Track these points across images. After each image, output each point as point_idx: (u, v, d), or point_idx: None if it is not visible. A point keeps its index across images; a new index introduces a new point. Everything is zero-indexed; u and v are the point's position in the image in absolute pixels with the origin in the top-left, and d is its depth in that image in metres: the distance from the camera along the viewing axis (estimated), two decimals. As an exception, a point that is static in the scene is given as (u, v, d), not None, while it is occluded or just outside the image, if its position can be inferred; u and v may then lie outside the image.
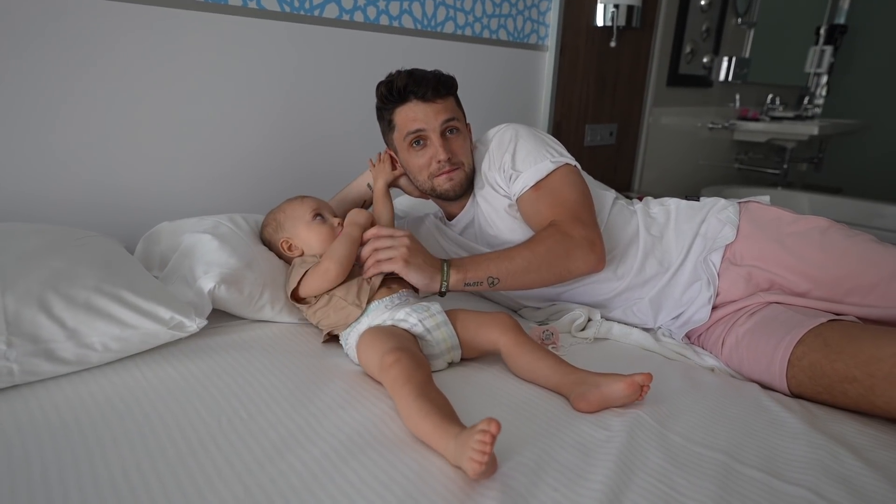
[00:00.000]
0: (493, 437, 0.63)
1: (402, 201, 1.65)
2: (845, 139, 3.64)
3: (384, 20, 1.62)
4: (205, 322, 0.95)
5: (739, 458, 0.73)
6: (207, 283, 1.02)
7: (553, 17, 2.01)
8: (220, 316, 1.07)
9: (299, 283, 1.02)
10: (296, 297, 1.04)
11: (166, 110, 1.32)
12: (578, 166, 1.17)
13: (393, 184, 1.29)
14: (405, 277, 0.99)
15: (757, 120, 3.10)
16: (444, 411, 0.72)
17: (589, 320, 1.17)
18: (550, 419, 0.81)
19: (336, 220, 1.09)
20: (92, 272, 0.89)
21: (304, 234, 1.09)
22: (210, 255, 1.08)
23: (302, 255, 1.10)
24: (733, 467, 0.71)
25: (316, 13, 1.49)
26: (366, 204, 1.31)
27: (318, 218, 1.09)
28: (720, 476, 0.69)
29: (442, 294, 1.03)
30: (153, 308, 0.89)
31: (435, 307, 0.95)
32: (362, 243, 1.02)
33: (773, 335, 0.97)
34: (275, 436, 0.73)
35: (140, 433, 0.72)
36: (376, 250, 0.99)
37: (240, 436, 0.73)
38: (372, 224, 1.08)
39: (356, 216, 1.05)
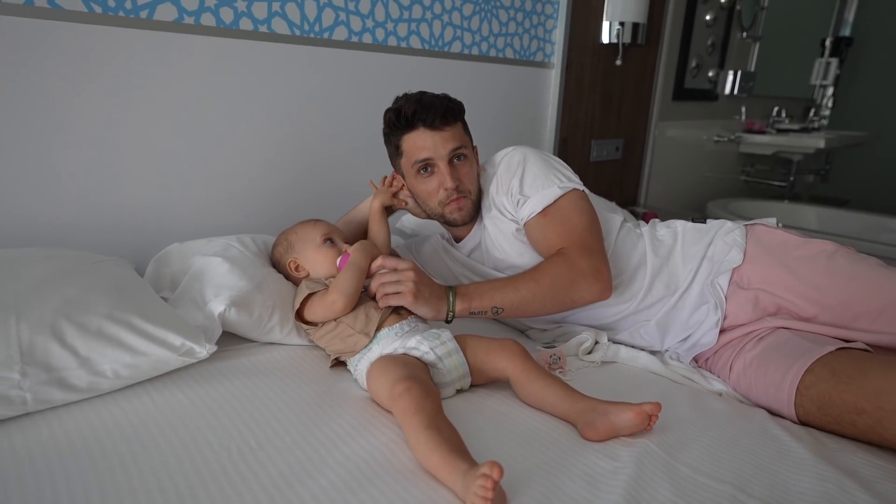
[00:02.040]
0: (495, 483, 0.63)
1: (409, 220, 1.67)
2: (852, 151, 3.63)
3: (392, 41, 1.63)
4: (214, 348, 0.95)
5: (747, 489, 0.73)
6: (218, 307, 1.03)
7: (559, 35, 2.02)
8: (229, 338, 1.08)
9: (304, 304, 1.03)
10: (302, 318, 1.04)
11: (175, 132, 1.33)
12: (587, 191, 1.17)
13: (397, 206, 1.30)
14: (414, 311, 0.99)
15: (763, 132, 3.10)
16: (454, 444, 0.73)
17: (596, 343, 1.17)
18: (558, 448, 0.81)
19: (345, 247, 1.10)
20: (104, 299, 0.90)
21: (312, 257, 1.10)
22: (220, 277, 1.09)
23: (308, 276, 1.11)
24: (741, 500, 0.71)
25: (325, 35, 1.51)
26: (373, 226, 1.32)
27: (328, 242, 1.10)
28: (728, 510, 0.69)
29: (448, 321, 1.03)
30: (164, 335, 0.90)
31: (446, 335, 0.96)
32: (369, 275, 1.03)
33: (782, 362, 0.97)
34: (284, 466, 0.74)
35: (150, 462, 0.73)
36: (383, 284, 0.99)
37: (249, 466, 0.74)
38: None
39: (364, 246, 1.05)
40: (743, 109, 3.07)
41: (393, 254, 1.16)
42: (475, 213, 1.22)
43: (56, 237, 1.21)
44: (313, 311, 1.02)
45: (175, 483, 0.70)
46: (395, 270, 1.00)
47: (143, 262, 1.24)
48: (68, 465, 0.72)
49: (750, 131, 3.10)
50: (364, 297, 1.02)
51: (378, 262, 1.02)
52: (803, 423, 0.93)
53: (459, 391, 0.96)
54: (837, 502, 0.71)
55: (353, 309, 1.00)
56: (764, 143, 3.04)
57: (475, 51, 1.83)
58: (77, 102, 1.20)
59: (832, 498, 0.71)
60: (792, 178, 3.17)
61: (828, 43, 3.52)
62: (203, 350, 0.93)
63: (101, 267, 1.02)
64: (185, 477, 0.71)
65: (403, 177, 1.21)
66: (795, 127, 3.20)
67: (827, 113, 3.59)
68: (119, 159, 1.28)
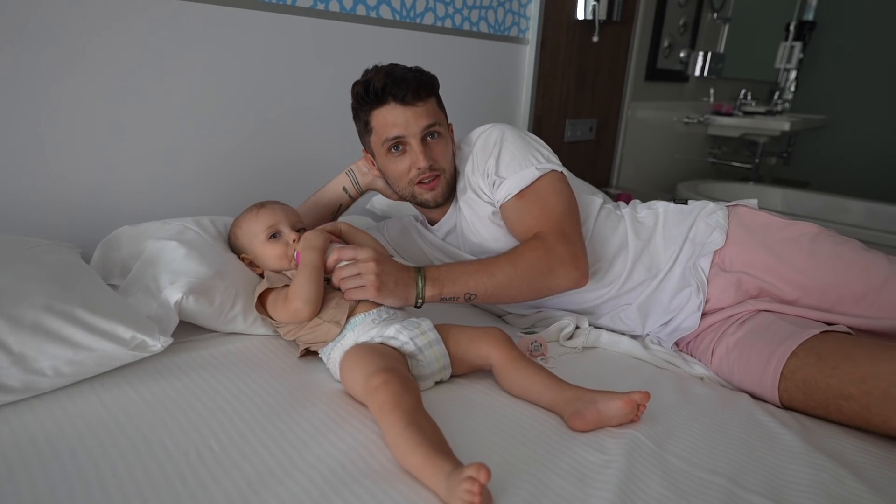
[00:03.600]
0: (482, 486, 0.59)
1: (380, 201, 1.59)
2: (812, 134, 3.71)
3: (361, 10, 1.54)
4: (170, 340, 0.87)
5: (742, 482, 0.70)
6: (174, 295, 0.94)
7: (534, 10, 1.95)
8: (188, 329, 1.00)
9: (266, 299, 0.97)
10: (264, 311, 0.98)
11: (126, 105, 1.22)
12: (565, 171, 1.12)
13: (369, 187, 1.23)
14: (380, 302, 0.93)
15: (730, 115, 3.12)
16: (436, 442, 0.67)
17: (577, 328, 1.13)
18: (545, 442, 0.77)
19: (292, 236, 1.01)
20: (42, 288, 0.81)
21: (260, 253, 1.03)
22: (176, 263, 1.00)
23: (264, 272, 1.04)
24: (737, 493, 0.68)
25: (289, 2, 1.40)
26: (341, 209, 1.24)
27: (273, 237, 1.02)
28: (725, 504, 0.66)
29: (417, 307, 0.97)
30: (111, 327, 0.81)
31: (426, 324, 0.90)
32: (327, 272, 0.95)
33: (765, 346, 0.95)
34: (249, 470, 0.67)
35: (96, 471, 0.65)
36: (343, 279, 0.92)
37: (210, 471, 0.67)
38: (337, 231, 1.02)
39: (312, 240, 0.95)
40: (711, 91, 3.08)
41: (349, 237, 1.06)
42: (449, 194, 1.15)
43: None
44: (278, 314, 0.95)
45: (125, 494, 0.62)
46: (354, 261, 0.92)
47: (89, 247, 1.14)
48: (0, 477, 0.63)
49: (718, 113, 3.11)
50: (329, 286, 0.95)
51: (333, 256, 0.94)
52: (786, 408, 0.92)
53: (439, 382, 0.90)
54: (833, 492, 0.69)
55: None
56: (732, 125, 3.06)
57: (448, 23, 1.75)
58: (13, 72, 1.07)
59: (827, 487, 0.70)
60: (757, 161, 3.21)
61: (792, 27, 3.55)
62: (157, 343, 0.84)
63: (39, 252, 0.92)
64: (136, 487, 0.64)
65: (373, 155, 1.13)
66: (761, 110, 3.24)
67: (790, 96, 3.64)
68: (62, 132, 1.16)
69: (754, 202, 1.20)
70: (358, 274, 0.91)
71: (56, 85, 1.12)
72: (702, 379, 1.03)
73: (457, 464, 0.64)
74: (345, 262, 0.93)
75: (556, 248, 1.01)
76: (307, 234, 0.97)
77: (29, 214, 1.15)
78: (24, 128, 1.11)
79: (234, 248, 1.09)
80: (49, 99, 1.13)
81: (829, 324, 0.98)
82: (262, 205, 1.06)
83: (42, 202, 1.16)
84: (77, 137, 1.18)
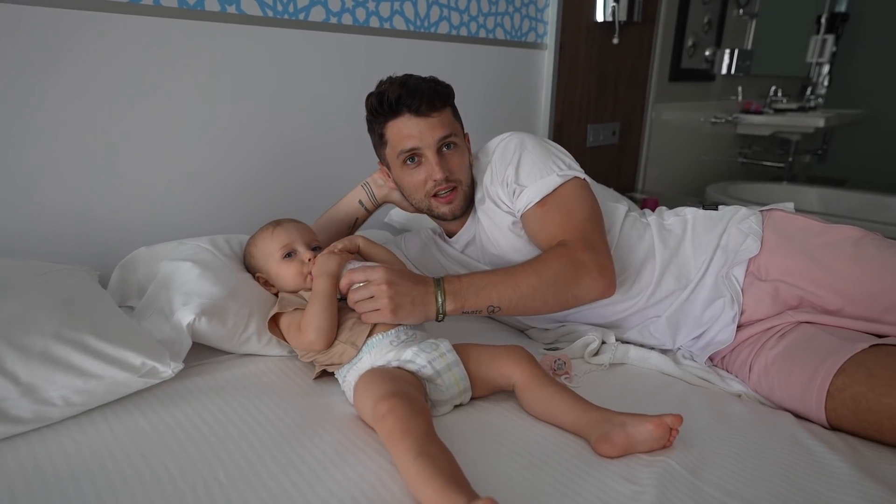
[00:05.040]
0: None
1: (398, 214, 1.56)
2: (849, 129, 3.56)
3: (374, 22, 1.52)
4: (181, 366, 0.85)
5: (787, 516, 0.64)
6: (186, 316, 0.93)
7: (552, 14, 1.91)
8: (201, 351, 0.98)
9: (278, 323, 0.95)
10: (278, 331, 0.96)
11: (139, 125, 1.22)
12: (588, 179, 1.08)
13: (385, 200, 1.20)
14: (398, 323, 0.89)
15: (760, 113, 3.01)
16: (449, 473, 0.63)
17: (603, 343, 1.08)
18: (570, 470, 0.72)
19: (307, 255, 0.98)
20: (51, 315, 0.80)
21: (275, 272, 1.01)
22: (189, 284, 0.99)
23: (279, 291, 1.02)
24: (781, 529, 0.62)
25: (301, 17, 1.39)
26: (357, 222, 1.22)
27: (289, 256, 1.00)
28: (768, 542, 0.60)
29: (438, 321, 0.93)
30: (121, 354, 0.79)
31: (444, 345, 0.86)
32: (342, 295, 0.92)
33: (809, 361, 0.88)
34: (257, 504, 0.64)
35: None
36: (357, 303, 0.88)
37: (217, 506, 0.64)
38: (354, 248, 0.99)
39: (324, 266, 0.92)
40: (739, 89, 2.99)
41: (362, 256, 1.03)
42: (467, 206, 1.12)
43: (9, 246, 1.10)
44: (292, 342, 0.93)
45: (129, 531, 0.60)
46: (367, 283, 0.89)
47: (109, 269, 1.14)
48: (7, 512, 0.62)
49: (747, 112, 3.01)
50: (345, 305, 0.92)
51: (345, 280, 0.90)
52: (834, 429, 0.85)
53: (458, 406, 0.86)
54: (891, 528, 0.62)
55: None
56: (762, 123, 2.96)
57: (463, 31, 1.72)
58: (27, 94, 1.08)
59: (883, 522, 0.63)
60: (790, 159, 3.09)
61: (823, 19, 3.42)
62: (167, 369, 0.83)
63: (52, 278, 0.91)
64: (141, 523, 0.61)
65: (388, 168, 1.10)
66: (793, 106, 3.12)
67: (823, 91, 3.50)
68: (81, 158, 1.16)
69: (790, 205, 1.13)
70: (372, 297, 0.87)
71: (72, 108, 1.13)
72: (739, 396, 0.96)
73: (472, 496, 0.60)
74: (358, 284, 0.90)
75: (581, 257, 0.97)
76: (319, 259, 0.94)
77: (48, 242, 1.15)
78: (44, 152, 1.12)
79: (249, 267, 1.07)
80: (66, 124, 1.13)
81: (879, 335, 0.91)
82: (277, 223, 1.04)
83: (60, 226, 1.17)
84: (94, 159, 1.18)
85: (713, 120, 2.88)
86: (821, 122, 2.81)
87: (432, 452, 0.66)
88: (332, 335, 0.88)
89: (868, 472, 0.73)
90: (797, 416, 0.89)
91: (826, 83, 3.51)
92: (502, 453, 0.75)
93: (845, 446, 0.80)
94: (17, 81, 1.07)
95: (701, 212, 1.16)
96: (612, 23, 2.05)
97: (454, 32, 1.70)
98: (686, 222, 1.14)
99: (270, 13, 1.34)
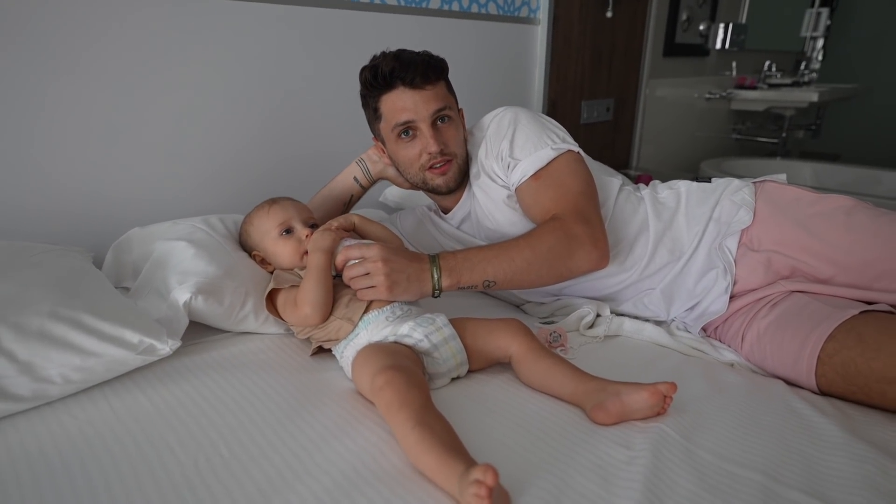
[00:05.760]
0: (490, 489, 0.55)
1: (393, 192, 1.56)
2: (842, 104, 3.55)
3: (364, -3, 1.50)
4: (178, 343, 0.86)
5: (778, 477, 0.66)
6: (182, 295, 0.93)
7: (544, -12, 1.89)
8: (199, 330, 0.99)
9: (275, 299, 0.95)
10: (275, 310, 0.96)
11: (131, 103, 1.20)
12: (582, 152, 1.08)
13: (380, 176, 1.20)
14: (394, 300, 0.90)
15: (755, 88, 3.00)
16: (447, 442, 0.64)
17: (598, 316, 1.09)
18: (566, 438, 0.73)
19: (304, 232, 0.98)
20: (47, 295, 0.80)
21: (272, 250, 1.00)
22: (185, 263, 0.99)
23: (275, 269, 1.02)
24: (773, 489, 0.64)
25: (289, -8, 1.37)
26: (353, 200, 1.21)
27: (285, 233, 0.99)
28: (760, 501, 0.62)
29: (435, 297, 0.94)
30: (118, 332, 0.80)
31: (441, 319, 0.87)
32: (338, 271, 0.92)
33: (800, 329, 0.90)
34: (259, 476, 0.65)
35: (104, 478, 0.64)
36: (353, 279, 0.89)
37: (219, 478, 0.65)
38: (350, 226, 0.99)
39: (319, 242, 0.92)
40: (734, 65, 2.97)
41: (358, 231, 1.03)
42: (461, 179, 1.11)
43: (1, 227, 1.09)
44: (288, 318, 0.94)
45: (132, 502, 0.61)
46: (362, 259, 0.89)
47: (102, 250, 1.13)
48: (8, 487, 0.63)
49: (741, 87, 3.00)
50: (341, 282, 0.92)
51: (341, 256, 0.91)
52: (824, 394, 0.87)
53: (455, 379, 0.87)
54: (879, 486, 0.64)
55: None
56: (756, 98, 2.95)
57: (455, 6, 1.70)
58: (19, 79, 1.06)
59: (872, 480, 0.65)
60: (784, 135, 3.09)
61: (818, -7, 3.39)
62: (165, 347, 0.83)
63: (46, 258, 0.91)
64: (143, 495, 0.62)
65: (383, 143, 1.10)
66: (787, 81, 3.11)
67: (817, 66, 3.49)
68: (68, 135, 1.15)
69: (783, 177, 1.13)
70: (368, 273, 0.88)
71: (61, 87, 1.11)
72: (732, 365, 0.98)
73: (470, 463, 0.61)
74: (354, 261, 0.90)
75: (575, 229, 0.97)
76: (314, 235, 0.94)
77: (43, 223, 1.14)
78: (33, 133, 1.11)
79: (246, 245, 1.07)
80: (56, 102, 1.12)
81: (869, 302, 0.92)
82: (273, 201, 1.04)
83: (53, 207, 1.16)
84: (85, 139, 1.17)
85: (707, 96, 2.86)
86: (815, 97, 2.80)
87: (430, 422, 0.67)
88: (328, 310, 0.89)
89: (857, 433, 0.74)
90: (788, 382, 0.91)
91: (820, 58, 3.50)
92: (500, 423, 0.76)
93: (835, 410, 0.81)
94: (9, 65, 1.05)
95: (694, 184, 1.16)
96: (606, -5, 2.03)
97: (446, 7, 1.67)
98: (679, 195, 1.15)
99: (259, -11, 1.32)
